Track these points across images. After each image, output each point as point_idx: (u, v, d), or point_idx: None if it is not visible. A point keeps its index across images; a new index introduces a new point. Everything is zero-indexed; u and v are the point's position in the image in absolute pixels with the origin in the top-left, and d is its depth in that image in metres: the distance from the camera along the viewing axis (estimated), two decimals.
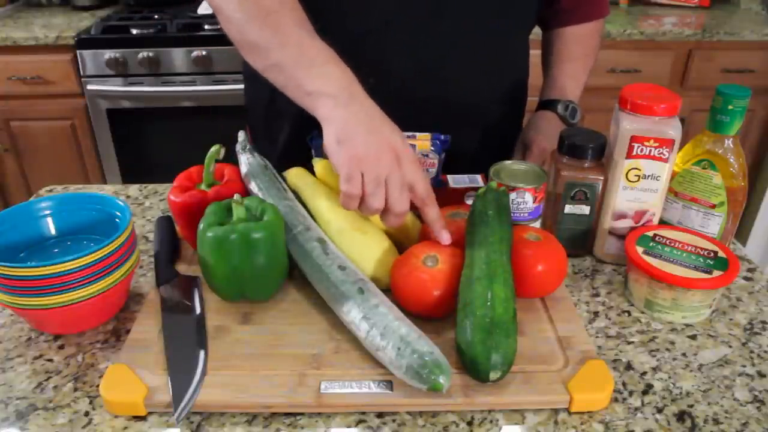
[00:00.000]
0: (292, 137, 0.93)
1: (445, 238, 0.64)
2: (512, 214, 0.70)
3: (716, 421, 0.55)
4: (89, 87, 1.96)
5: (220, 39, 1.88)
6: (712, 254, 0.68)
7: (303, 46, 0.65)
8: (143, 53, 1.92)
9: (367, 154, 0.60)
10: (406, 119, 0.82)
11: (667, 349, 0.64)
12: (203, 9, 2.10)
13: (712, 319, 0.68)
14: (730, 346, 0.64)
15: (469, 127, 0.93)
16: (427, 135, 0.75)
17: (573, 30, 0.98)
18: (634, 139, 0.69)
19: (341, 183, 0.61)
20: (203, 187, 0.72)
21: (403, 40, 0.84)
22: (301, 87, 0.65)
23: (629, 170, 0.71)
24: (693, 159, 0.73)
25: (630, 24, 2.04)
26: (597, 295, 0.72)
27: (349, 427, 0.54)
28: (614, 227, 0.75)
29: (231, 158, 0.76)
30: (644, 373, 0.60)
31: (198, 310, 0.65)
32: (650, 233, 0.71)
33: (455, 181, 0.79)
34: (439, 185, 0.78)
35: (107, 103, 2.00)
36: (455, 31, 0.85)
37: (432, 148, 0.74)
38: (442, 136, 0.76)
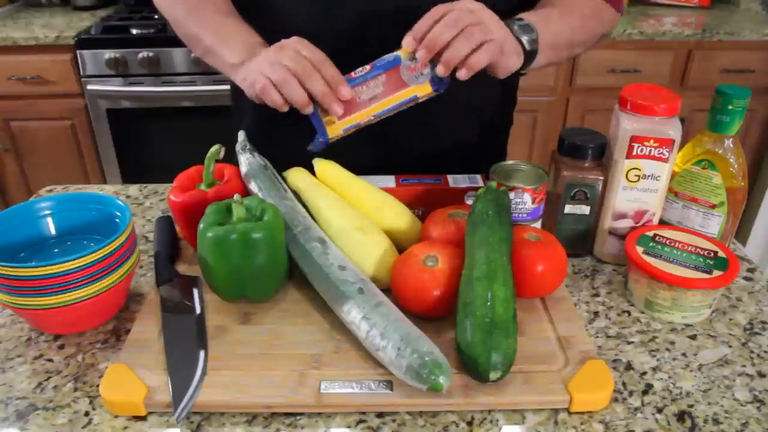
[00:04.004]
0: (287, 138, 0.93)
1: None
2: (512, 215, 0.69)
3: (716, 421, 0.55)
4: (89, 87, 1.96)
5: None
6: (712, 254, 0.68)
7: (219, 28, 0.78)
8: (143, 53, 1.92)
9: (267, 58, 0.69)
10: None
11: (667, 349, 0.64)
12: None
13: (712, 319, 0.68)
14: (730, 346, 0.64)
15: (440, 126, 0.86)
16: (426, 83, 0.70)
17: None
18: (634, 139, 0.69)
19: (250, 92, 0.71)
20: (203, 187, 0.72)
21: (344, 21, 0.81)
22: (225, 62, 0.76)
23: (629, 170, 0.71)
24: (693, 159, 0.73)
25: (630, 24, 2.04)
26: (597, 295, 0.72)
27: (349, 427, 0.54)
28: (614, 227, 0.75)
29: (231, 158, 0.77)
30: (644, 373, 0.60)
31: (198, 310, 0.65)
32: (650, 233, 0.71)
33: (455, 181, 0.79)
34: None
35: (107, 103, 2.00)
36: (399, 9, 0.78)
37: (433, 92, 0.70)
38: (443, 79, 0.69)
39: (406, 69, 0.68)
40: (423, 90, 0.68)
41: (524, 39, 0.72)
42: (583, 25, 0.83)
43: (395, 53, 0.68)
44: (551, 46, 0.76)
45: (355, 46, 0.80)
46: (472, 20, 0.65)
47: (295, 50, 0.68)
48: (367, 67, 0.69)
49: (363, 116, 0.69)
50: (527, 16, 0.75)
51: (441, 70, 0.67)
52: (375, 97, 0.69)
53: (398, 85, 0.68)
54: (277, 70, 0.66)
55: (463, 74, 0.66)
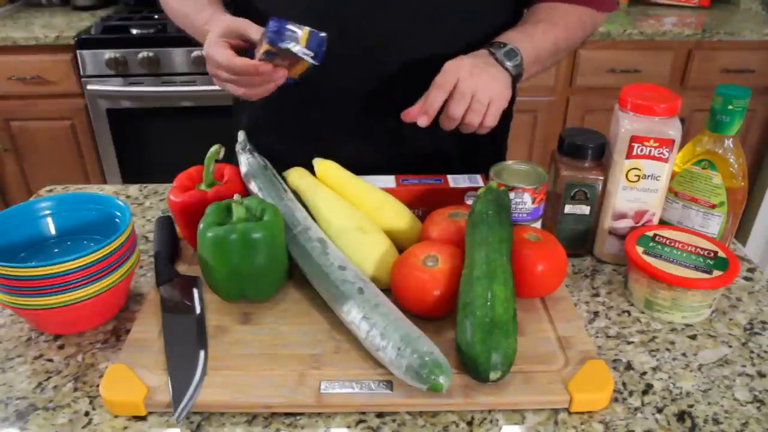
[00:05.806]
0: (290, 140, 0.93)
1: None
2: (512, 214, 0.69)
3: (716, 421, 0.55)
4: (89, 87, 1.96)
5: None
6: (712, 254, 0.68)
7: (203, 10, 0.81)
8: (143, 53, 1.92)
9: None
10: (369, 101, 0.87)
11: (667, 349, 0.64)
12: None
13: (712, 319, 0.68)
14: (730, 346, 0.64)
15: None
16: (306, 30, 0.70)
17: (547, 4, 0.88)
18: (634, 139, 0.69)
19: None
20: (203, 187, 0.72)
21: (353, 14, 0.82)
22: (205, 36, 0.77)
23: (629, 170, 0.71)
24: (693, 159, 0.73)
25: (630, 24, 2.04)
26: (597, 295, 0.72)
27: (349, 427, 0.54)
28: (614, 227, 0.75)
29: (231, 158, 0.77)
30: (644, 373, 0.61)
31: (198, 310, 0.65)
32: (650, 233, 0.71)
33: (455, 181, 0.79)
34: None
35: (107, 103, 2.00)
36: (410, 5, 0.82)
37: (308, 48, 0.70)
38: (322, 34, 0.69)
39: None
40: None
41: (509, 65, 0.77)
42: (567, 35, 0.87)
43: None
44: (535, 61, 0.81)
45: (364, 27, 0.81)
46: (475, 101, 0.73)
47: (212, 71, 0.73)
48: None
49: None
50: (512, 35, 0.80)
51: (424, 121, 0.74)
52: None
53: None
54: (217, 82, 0.75)
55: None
